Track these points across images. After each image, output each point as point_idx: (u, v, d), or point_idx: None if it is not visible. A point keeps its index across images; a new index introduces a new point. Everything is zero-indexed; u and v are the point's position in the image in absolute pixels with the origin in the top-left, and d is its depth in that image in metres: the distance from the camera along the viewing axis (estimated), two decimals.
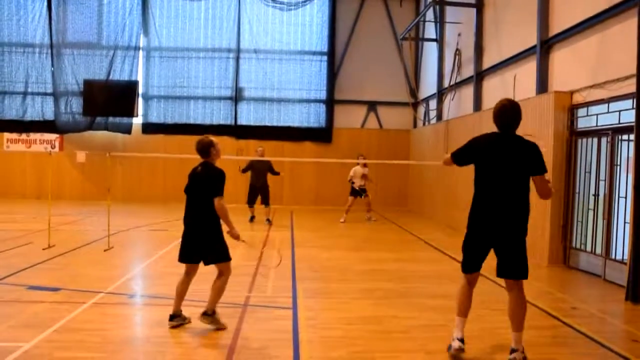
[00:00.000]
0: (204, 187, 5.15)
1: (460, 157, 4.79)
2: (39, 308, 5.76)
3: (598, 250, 8.15)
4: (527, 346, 5.00)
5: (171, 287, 6.85)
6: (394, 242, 11.58)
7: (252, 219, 13.59)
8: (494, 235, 4.48)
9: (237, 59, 18.47)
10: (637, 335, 5.43)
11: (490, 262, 4.68)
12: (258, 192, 13.48)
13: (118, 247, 9.51)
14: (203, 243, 5.22)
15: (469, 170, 4.76)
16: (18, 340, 4.71)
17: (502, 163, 4.43)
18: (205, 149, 5.26)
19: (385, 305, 6.26)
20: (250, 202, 13.58)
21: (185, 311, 5.41)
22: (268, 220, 13.37)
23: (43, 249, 8.98)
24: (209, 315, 5.17)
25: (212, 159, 5.28)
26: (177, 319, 5.27)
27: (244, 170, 13.31)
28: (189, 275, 5.37)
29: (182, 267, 8.08)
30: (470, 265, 4.67)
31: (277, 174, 13.61)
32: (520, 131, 4.57)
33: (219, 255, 5.22)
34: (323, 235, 12.03)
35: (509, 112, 4.47)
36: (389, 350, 4.83)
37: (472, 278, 4.70)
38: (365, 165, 14.16)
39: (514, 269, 4.46)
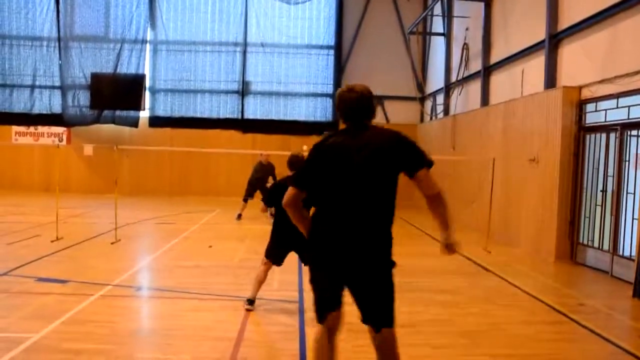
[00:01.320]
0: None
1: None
2: (47, 300, 5.81)
3: (605, 247, 8.11)
4: (533, 341, 5.01)
5: (178, 280, 6.93)
6: (399, 237, 11.41)
7: (239, 216, 12.95)
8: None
9: (244, 52, 18.44)
10: None
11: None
12: (257, 188, 12.90)
13: (125, 240, 9.55)
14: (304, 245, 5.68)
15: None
16: (27, 332, 4.75)
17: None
18: (299, 164, 5.79)
19: None
20: (247, 197, 13.00)
21: (185, 303, 5.41)
22: (272, 215, 13.10)
23: (51, 242, 9.04)
24: None
25: None
26: (254, 304, 5.69)
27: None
28: (270, 268, 5.80)
29: (188, 261, 8.18)
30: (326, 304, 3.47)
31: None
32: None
33: None
34: None
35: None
36: None
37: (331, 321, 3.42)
38: None
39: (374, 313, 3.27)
